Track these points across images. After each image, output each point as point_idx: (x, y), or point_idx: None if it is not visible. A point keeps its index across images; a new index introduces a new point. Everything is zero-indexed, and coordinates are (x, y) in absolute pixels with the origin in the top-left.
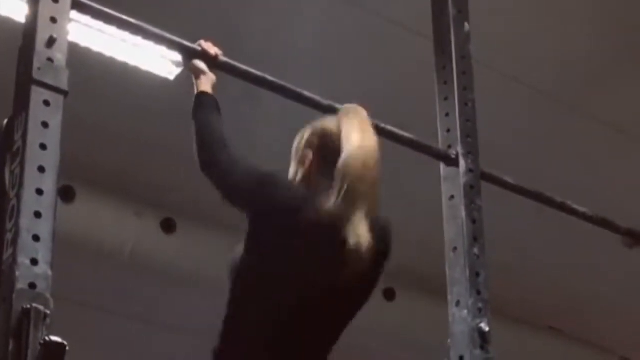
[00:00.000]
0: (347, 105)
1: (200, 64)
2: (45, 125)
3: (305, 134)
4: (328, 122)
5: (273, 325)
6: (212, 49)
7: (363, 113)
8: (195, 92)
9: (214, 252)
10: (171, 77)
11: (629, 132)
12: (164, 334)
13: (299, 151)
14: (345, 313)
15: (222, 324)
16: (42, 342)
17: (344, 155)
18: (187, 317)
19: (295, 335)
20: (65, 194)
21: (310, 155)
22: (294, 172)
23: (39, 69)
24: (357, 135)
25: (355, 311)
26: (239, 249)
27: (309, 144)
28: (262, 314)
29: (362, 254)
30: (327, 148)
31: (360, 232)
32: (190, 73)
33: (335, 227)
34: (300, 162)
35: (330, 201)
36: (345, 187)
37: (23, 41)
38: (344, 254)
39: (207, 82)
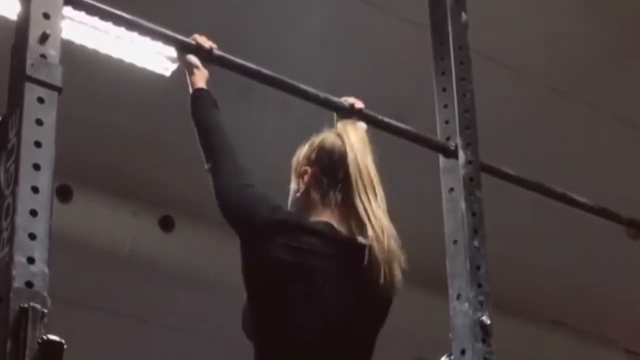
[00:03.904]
0: (345, 121)
1: (193, 59)
2: (39, 122)
3: (304, 149)
4: (326, 137)
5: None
6: (207, 43)
7: (362, 129)
8: (190, 89)
9: (212, 250)
10: (167, 74)
11: (632, 123)
12: (162, 333)
13: (298, 166)
14: (371, 327)
15: None
16: (40, 341)
17: (350, 156)
18: (186, 315)
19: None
20: (62, 193)
21: (308, 170)
22: (295, 186)
23: (32, 65)
24: (354, 138)
25: (380, 322)
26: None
27: (307, 159)
28: (290, 350)
29: (384, 242)
30: (324, 162)
31: (377, 218)
32: (183, 68)
33: (344, 237)
34: (300, 176)
35: (335, 203)
36: (354, 176)
37: (15, 38)
38: (364, 256)
39: (201, 78)
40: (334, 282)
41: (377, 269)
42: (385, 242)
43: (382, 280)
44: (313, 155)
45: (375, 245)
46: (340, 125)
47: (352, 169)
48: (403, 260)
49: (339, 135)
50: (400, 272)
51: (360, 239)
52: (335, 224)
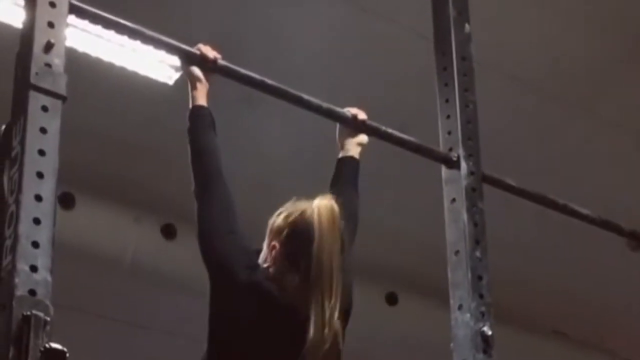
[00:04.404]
0: (320, 199)
1: (196, 71)
2: (43, 130)
3: (279, 219)
4: (300, 217)
5: None
6: (211, 53)
7: (336, 209)
8: (191, 103)
9: None
10: (170, 82)
11: (633, 133)
12: (164, 340)
13: (270, 235)
14: None
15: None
16: (42, 349)
17: (314, 246)
18: (188, 323)
19: None
20: (65, 200)
21: (277, 246)
22: (263, 254)
23: (36, 74)
24: (325, 226)
25: None
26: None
27: (278, 234)
28: None
29: (324, 347)
30: (291, 247)
31: (326, 322)
32: (186, 77)
33: (297, 313)
34: (269, 248)
35: (293, 287)
36: (314, 273)
37: (20, 46)
38: (305, 343)
39: (202, 93)
40: (285, 352)
41: None
42: (320, 351)
43: None
44: (284, 233)
45: (311, 349)
46: (316, 203)
47: (315, 264)
48: None
49: (312, 215)
50: None
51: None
52: (294, 301)
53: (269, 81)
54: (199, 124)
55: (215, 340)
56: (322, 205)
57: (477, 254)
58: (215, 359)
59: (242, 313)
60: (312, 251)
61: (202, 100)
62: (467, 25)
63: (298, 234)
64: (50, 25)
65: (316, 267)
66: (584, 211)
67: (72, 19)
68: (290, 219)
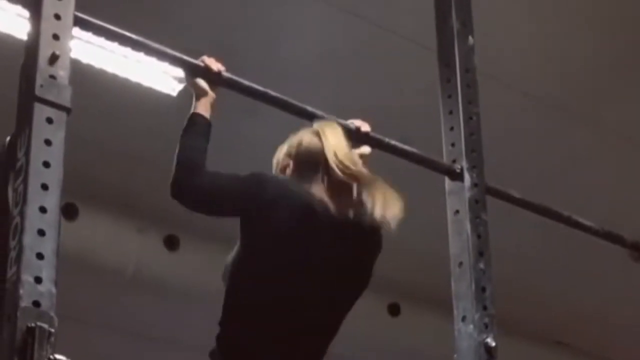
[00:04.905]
0: (322, 120)
1: (202, 83)
2: (48, 142)
3: (284, 148)
4: (304, 134)
5: (272, 315)
6: (215, 65)
7: (338, 128)
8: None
9: (217, 269)
10: (174, 94)
11: (636, 141)
12: (167, 351)
13: (279, 161)
14: (344, 299)
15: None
16: None
17: (327, 149)
18: (191, 333)
19: (295, 323)
20: (68, 211)
21: (290, 163)
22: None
23: (41, 86)
24: (334, 138)
25: (354, 297)
26: (231, 254)
27: (288, 156)
28: (261, 305)
29: (364, 223)
30: (304, 155)
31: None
32: (190, 90)
33: (330, 207)
34: (282, 170)
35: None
36: (337, 169)
37: (25, 58)
38: (343, 229)
39: (205, 103)
40: (323, 254)
41: (371, 237)
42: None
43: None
44: (294, 151)
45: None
46: (316, 125)
47: (330, 157)
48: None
49: (317, 132)
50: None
51: (350, 214)
52: (326, 199)
53: (273, 93)
54: (191, 129)
55: (248, 247)
56: (322, 122)
57: (481, 265)
58: (247, 260)
59: (278, 222)
60: (325, 149)
61: (202, 109)
62: (470, 37)
63: (308, 146)
64: (55, 37)
65: (332, 157)
66: (588, 223)
67: (76, 31)
68: (296, 140)
